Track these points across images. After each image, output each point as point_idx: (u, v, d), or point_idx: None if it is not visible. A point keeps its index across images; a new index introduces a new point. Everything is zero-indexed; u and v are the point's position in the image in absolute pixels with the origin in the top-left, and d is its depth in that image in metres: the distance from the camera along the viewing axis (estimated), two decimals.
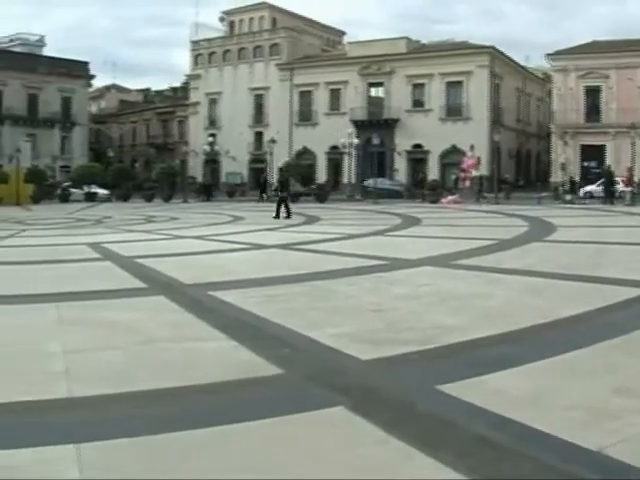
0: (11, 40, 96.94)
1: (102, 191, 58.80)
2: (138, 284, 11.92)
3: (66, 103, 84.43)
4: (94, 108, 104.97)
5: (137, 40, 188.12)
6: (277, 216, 29.56)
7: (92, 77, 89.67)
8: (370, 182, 58.31)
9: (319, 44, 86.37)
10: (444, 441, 4.68)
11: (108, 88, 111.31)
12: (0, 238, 22.14)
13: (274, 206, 30.60)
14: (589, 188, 53.22)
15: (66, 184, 62.35)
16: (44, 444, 4.83)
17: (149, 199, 53.79)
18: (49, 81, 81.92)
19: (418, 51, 75.11)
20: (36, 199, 52.24)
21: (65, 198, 55.86)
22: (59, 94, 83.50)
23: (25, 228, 26.90)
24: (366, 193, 55.02)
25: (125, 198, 55.95)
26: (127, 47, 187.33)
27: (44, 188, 56.36)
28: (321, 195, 50.22)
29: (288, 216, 29.54)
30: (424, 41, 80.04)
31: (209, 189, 57.53)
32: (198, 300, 10.10)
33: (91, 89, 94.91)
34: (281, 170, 33.44)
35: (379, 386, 5.95)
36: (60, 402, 5.75)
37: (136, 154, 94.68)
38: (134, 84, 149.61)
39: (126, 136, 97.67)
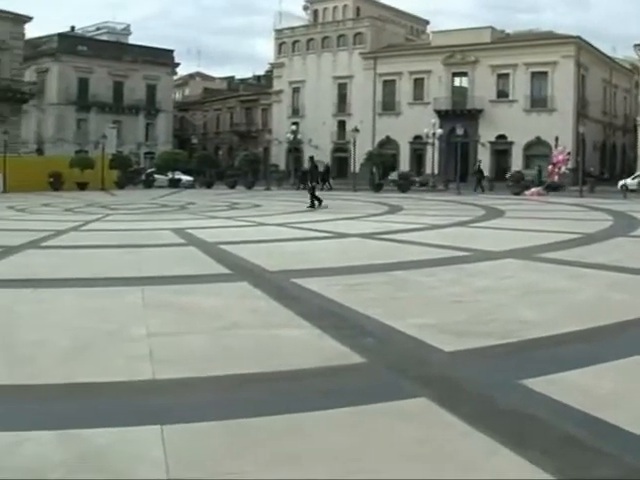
0: (98, 29, 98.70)
1: (186, 178, 59.38)
2: (222, 270, 12.04)
3: (151, 91, 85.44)
4: (178, 96, 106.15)
5: (220, 28, 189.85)
6: (312, 205, 29.42)
7: (177, 65, 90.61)
8: None
9: (403, 33, 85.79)
10: (529, 438, 4.61)
11: (192, 76, 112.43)
12: (86, 222, 22.55)
13: (348, 195, 30.40)
14: None
15: (150, 170, 63.19)
16: (129, 424, 4.92)
17: (232, 186, 54.15)
18: (135, 69, 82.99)
19: (502, 41, 74.01)
20: (121, 184, 53.03)
21: (149, 184, 56.60)
22: (144, 82, 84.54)
23: (110, 213, 27.37)
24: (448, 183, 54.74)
25: (208, 185, 56.40)
26: (210, 35, 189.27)
27: (128, 174, 57.19)
28: (403, 185, 49.99)
29: (312, 205, 29.33)
30: (508, 30, 78.96)
31: (326, 175, 56.06)
32: (281, 287, 10.15)
33: (176, 77, 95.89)
34: (311, 159, 33.44)
35: (462, 378, 5.90)
36: (144, 384, 5.85)
37: (219, 141, 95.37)
38: (218, 72, 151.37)
39: (210, 123, 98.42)
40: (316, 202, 29.46)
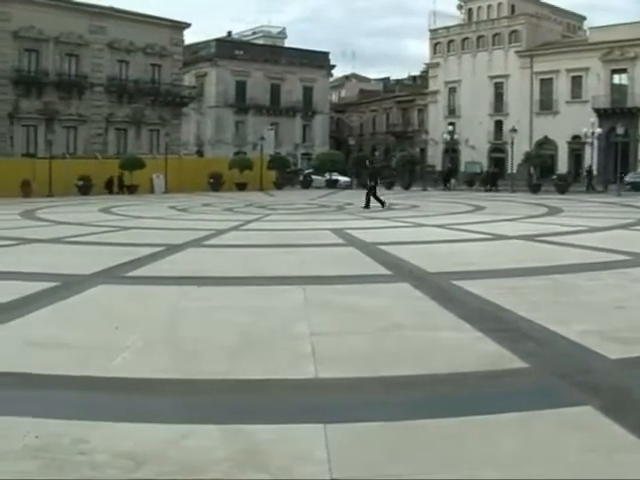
0: (254, 33, 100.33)
1: (343, 178, 59.71)
2: (382, 270, 12.04)
3: (308, 93, 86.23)
4: (334, 97, 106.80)
5: (373, 30, 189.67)
6: (367, 206, 29.30)
7: (332, 67, 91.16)
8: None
9: (559, 30, 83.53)
10: None
11: (348, 78, 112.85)
12: (246, 222, 23.03)
13: (506, 196, 29.90)
14: None
15: (308, 171, 63.89)
16: (292, 422, 4.99)
17: (389, 187, 54.08)
18: (291, 71, 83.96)
19: None
20: (279, 185, 53.84)
21: (307, 185, 57.19)
22: (301, 84, 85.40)
23: (269, 213, 27.83)
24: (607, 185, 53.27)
25: (365, 186, 56.52)
26: (363, 37, 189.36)
27: (286, 175, 58.02)
28: (562, 186, 48.81)
29: (366, 206, 29.24)
30: None
31: (494, 177, 56.02)
32: (442, 289, 10.07)
33: (331, 79, 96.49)
34: (371, 162, 33.05)
35: (629, 388, 5.69)
36: (307, 383, 5.91)
37: (376, 142, 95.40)
38: (373, 73, 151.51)
39: (366, 124, 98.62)
40: (377, 203, 29.53)
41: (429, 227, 20.54)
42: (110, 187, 46.09)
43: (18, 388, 5.88)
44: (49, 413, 5.20)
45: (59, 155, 50.22)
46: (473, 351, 6.77)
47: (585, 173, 56.32)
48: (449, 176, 57.11)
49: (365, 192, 30.47)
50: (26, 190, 41.84)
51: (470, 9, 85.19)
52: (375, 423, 4.96)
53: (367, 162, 33.52)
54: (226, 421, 4.99)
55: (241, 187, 49.69)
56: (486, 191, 50.20)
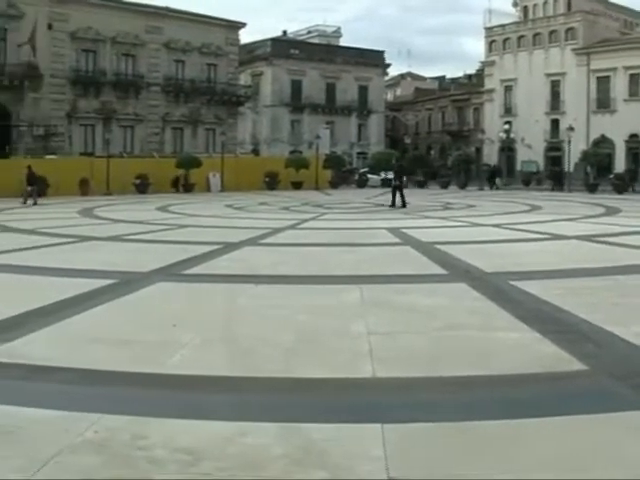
0: (309, 32, 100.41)
1: None
2: (438, 270, 11.99)
3: (363, 92, 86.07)
4: (390, 96, 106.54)
5: (428, 28, 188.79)
6: (393, 204, 29.47)
7: (388, 66, 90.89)
8: None
9: (616, 27, 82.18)
10: None
11: (403, 76, 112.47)
12: (302, 221, 23.10)
13: (562, 196, 29.53)
14: None
15: (363, 170, 63.85)
16: (349, 421, 4.98)
17: (445, 186, 53.87)
18: (346, 70, 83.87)
19: None
20: (334, 184, 53.88)
21: (362, 184, 57.16)
22: (356, 83, 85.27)
23: (325, 212, 27.83)
24: None
25: (421, 185, 56.35)
26: (418, 35, 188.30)
27: (342, 173, 58.03)
28: (620, 186, 48.12)
29: (403, 204, 29.51)
30: None
31: (560, 176, 55.45)
32: (499, 289, 9.98)
33: (387, 77, 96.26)
34: (397, 159, 32.95)
35: None
36: (365, 382, 5.90)
37: (431, 141, 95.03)
38: (428, 72, 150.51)
39: (421, 123, 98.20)
40: (397, 201, 29.68)
41: (486, 227, 20.38)
42: (176, 185, 46.57)
43: (78, 384, 5.97)
44: (109, 409, 5.27)
45: (116, 154, 50.82)
46: (531, 352, 6.71)
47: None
48: (494, 176, 56.58)
49: (392, 190, 30.67)
50: (84, 189, 42.38)
51: (526, 6, 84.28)
52: (433, 423, 4.95)
53: (393, 161, 33.52)
54: (284, 419, 5.02)
55: (297, 186, 49.79)
56: (551, 190, 49.66)
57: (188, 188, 45.88)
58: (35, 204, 33.08)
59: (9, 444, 4.65)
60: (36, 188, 34.67)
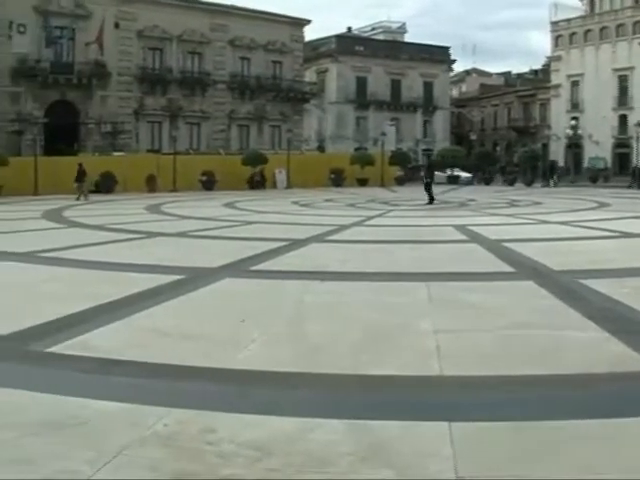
0: (373, 29, 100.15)
1: (464, 174, 59.15)
2: (505, 268, 11.87)
3: (428, 88, 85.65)
4: (455, 92, 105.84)
5: (492, 23, 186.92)
6: (431, 201, 29.91)
7: (453, 62, 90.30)
8: None
9: None
10: None
11: (468, 72, 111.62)
12: (368, 217, 23.09)
13: (631, 193, 28.95)
14: None
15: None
16: (417, 419, 4.97)
17: (511, 183, 53.41)
18: (411, 67, 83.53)
19: None
20: (400, 181, 53.78)
21: None
22: (421, 79, 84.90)
23: (391, 209, 27.79)
24: None
25: (487, 181, 55.98)
26: (482, 31, 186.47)
27: (407, 170, 57.89)
28: None
29: (430, 202, 29.79)
30: None
31: (552, 171, 55.10)
32: (568, 287, 9.83)
33: (452, 73, 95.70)
34: (427, 157, 32.86)
35: None
36: (432, 380, 5.87)
37: (497, 137, 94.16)
38: (494, 67, 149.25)
39: (487, 119, 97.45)
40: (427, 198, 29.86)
41: (553, 224, 20.14)
42: (252, 182, 47.01)
43: (148, 377, 6.06)
44: (177, 403, 5.33)
45: (183, 151, 51.37)
46: (600, 352, 6.62)
47: None
48: (551, 172, 55.70)
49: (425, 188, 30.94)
50: (151, 185, 42.95)
51: (592, 0, 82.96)
52: (501, 422, 4.91)
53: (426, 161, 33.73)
54: (351, 416, 5.02)
55: (362, 183, 49.81)
56: (629, 187, 48.90)
57: (256, 185, 46.17)
58: (84, 198, 34.02)
59: (81, 436, 4.74)
60: (84, 184, 35.35)
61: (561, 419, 4.96)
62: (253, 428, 4.81)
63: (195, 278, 10.76)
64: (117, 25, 54.60)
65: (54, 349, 6.79)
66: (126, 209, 28.27)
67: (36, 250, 14.50)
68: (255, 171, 47.15)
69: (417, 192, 40.68)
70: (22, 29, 50.39)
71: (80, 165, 35.61)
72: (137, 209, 27.74)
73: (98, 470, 4.15)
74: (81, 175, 35.20)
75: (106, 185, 41.44)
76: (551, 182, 52.88)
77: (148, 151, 54.32)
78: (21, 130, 49.76)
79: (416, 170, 61.09)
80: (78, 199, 33.69)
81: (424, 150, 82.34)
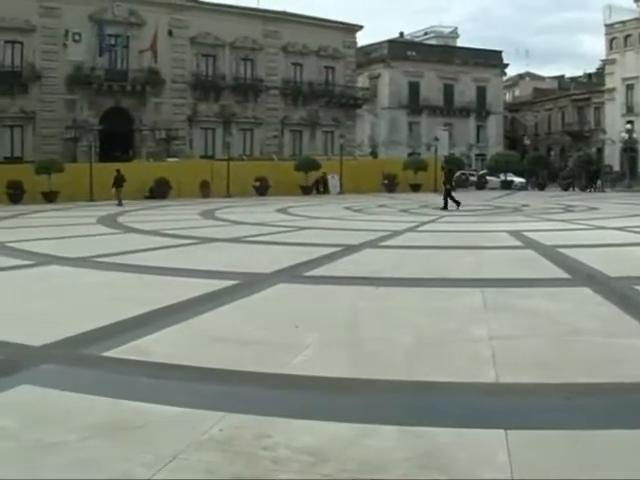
0: (425, 33, 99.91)
1: (518, 179, 58.65)
2: (561, 274, 11.73)
3: (481, 92, 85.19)
4: (508, 97, 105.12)
5: (544, 26, 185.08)
6: (445, 207, 29.86)
7: (505, 66, 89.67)
8: None
9: None
10: None
11: (522, 76, 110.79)
12: (421, 223, 23.01)
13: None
14: None
15: (482, 172, 63.20)
16: (472, 426, 4.93)
17: (565, 188, 52.85)
18: (464, 71, 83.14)
19: None
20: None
21: (481, 186, 56.68)
22: (474, 84, 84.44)
23: (444, 214, 27.66)
24: None
25: (541, 187, 55.47)
26: (535, 34, 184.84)
27: (460, 176, 57.60)
28: None
29: (445, 207, 29.92)
30: None
31: (595, 177, 54.42)
32: (625, 294, 9.66)
33: (505, 78, 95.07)
34: (446, 162, 32.66)
35: None
36: (487, 387, 5.83)
37: (551, 142, 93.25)
38: (547, 71, 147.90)
39: (541, 124, 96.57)
40: (453, 204, 29.74)
41: (609, 230, 19.86)
42: (317, 187, 47.62)
43: (203, 382, 6.11)
44: (233, 407, 5.36)
45: (236, 157, 51.71)
46: None
47: None
48: (595, 177, 54.80)
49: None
50: (205, 191, 43.31)
51: None
52: (558, 431, 4.84)
53: (442, 164, 33.66)
54: (406, 422, 5.00)
55: (415, 188, 49.68)
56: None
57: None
58: (119, 204, 34.81)
59: (138, 439, 4.81)
60: (121, 190, 36.15)
61: (620, 429, 4.89)
62: (308, 434, 4.82)
63: (249, 283, 10.81)
64: (170, 32, 55.22)
65: (110, 353, 6.89)
66: (180, 215, 28.55)
67: (91, 255, 14.72)
68: (318, 176, 47.47)
69: (470, 197, 40.54)
70: (77, 37, 51.32)
71: (118, 171, 36.47)
72: (191, 215, 27.98)
73: (155, 473, 4.20)
74: (119, 181, 35.95)
75: (160, 191, 41.92)
76: (595, 187, 52.02)
77: (202, 157, 54.86)
78: (77, 137, 50.60)
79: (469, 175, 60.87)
80: (120, 204, 34.59)
81: (477, 155, 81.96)
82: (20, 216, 29.02)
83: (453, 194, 30.78)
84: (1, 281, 11.97)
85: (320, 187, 48.03)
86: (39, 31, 50.71)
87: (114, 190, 35.80)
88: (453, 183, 32.21)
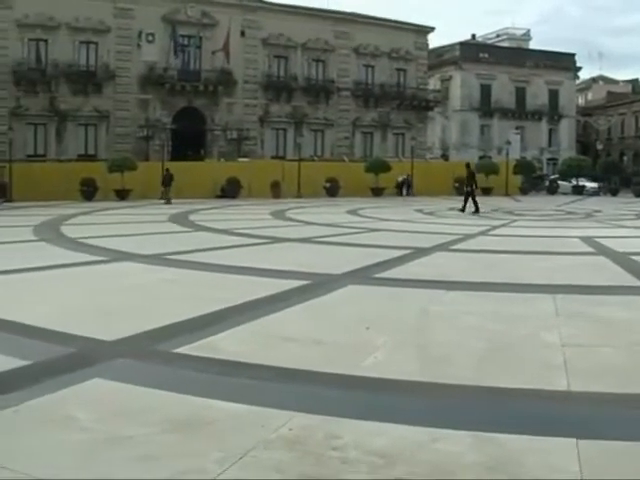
0: (497, 35, 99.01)
1: (590, 184, 57.85)
2: (634, 282, 11.49)
3: (553, 96, 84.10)
4: (580, 100, 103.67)
5: (618, 28, 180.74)
6: (477, 210, 29.80)
7: (578, 69, 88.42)
8: None
9: None
10: None
11: (595, 79, 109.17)
12: (493, 227, 22.87)
13: None
14: None
15: (554, 176, 62.47)
16: (543, 434, 4.87)
17: (638, 194, 51.94)
18: (536, 74, 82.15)
19: None
20: (524, 190, 53.03)
21: (553, 190, 56.00)
22: (546, 87, 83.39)
23: (515, 219, 27.39)
24: None
25: (613, 192, 54.63)
26: (608, 36, 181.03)
27: (532, 180, 57.00)
28: None
29: (463, 209, 30.43)
30: None
31: None
32: None
33: (578, 81, 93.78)
34: (467, 166, 31.98)
35: None
36: (559, 395, 5.76)
37: (624, 147, 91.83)
38: (621, 75, 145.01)
39: (614, 128, 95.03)
40: (470, 207, 29.92)
41: None
42: (400, 189, 48.16)
43: (274, 381, 6.14)
44: (302, 407, 5.39)
45: (307, 157, 51.90)
46: None
47: None
48: None
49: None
50: (275, 191, 43.54)
51: None
52: (631, 442, 4.77)
53: (465, 166, 33.28)
54: (476, 428, 4.97)
55: (486, 192, 49.22)
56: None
57: (377, 192, 46.33)
58: (168, 202, 35.51)
59: (207, 435, 4.88)
60: (169, 188, 36.97)
61: None
62: (378, 436, 4.83)
63: (320, 284, 10.87)
64: (243, 33, 55.66)
65: (182, 350, 6.98)
66: (251, 214, 28.78)
67: (164, 252, 14.94)
68: (403, 177, 47.51)
69: (542, 202, 40.09)
70: (151, 38, 52.05)
71: (167, 170, 37.42)
72: (262, 214, 28.18)
73: (225, 470, 4.25)
74: (167, 180, 36.65)
75: (231, 190, 42.30)
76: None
77: (273, 157, 55.16)
78: (149, 136, 51.33)
79: (540, 180, 60.17)
80: (168, 202, 35.32)
81: (549, 159, 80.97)
82: (93, 213, 29.56)
83: (474, 198, 30.73)
84: (75, 276, 12.19)
85: (405, 189, 47.99)
86: (113, 32, 51.69)
87: (163, 189, 36.38)
88: (474, 186, 31.65)
